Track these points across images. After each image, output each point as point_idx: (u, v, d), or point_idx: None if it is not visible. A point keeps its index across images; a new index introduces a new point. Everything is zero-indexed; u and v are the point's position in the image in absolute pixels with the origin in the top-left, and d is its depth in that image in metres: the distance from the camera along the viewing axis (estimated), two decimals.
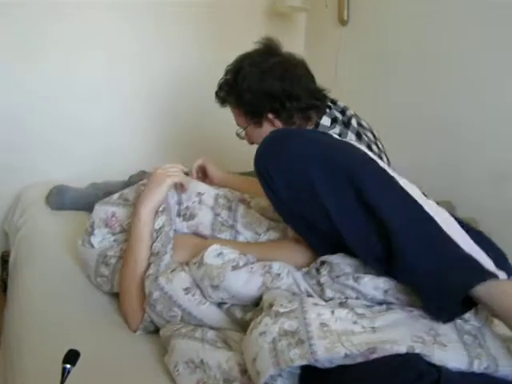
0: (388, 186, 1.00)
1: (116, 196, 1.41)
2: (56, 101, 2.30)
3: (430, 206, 1.00)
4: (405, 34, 2.25)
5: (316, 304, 0.96)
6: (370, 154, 1.08)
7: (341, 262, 1.07)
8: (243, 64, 1.45)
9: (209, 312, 1.14)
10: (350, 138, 1.45)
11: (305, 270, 1.13)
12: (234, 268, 1.10)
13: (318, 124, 1.49)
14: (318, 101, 1.47)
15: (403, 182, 1.03)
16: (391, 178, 1.02)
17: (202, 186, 1.41)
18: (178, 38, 2.51)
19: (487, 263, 0.95)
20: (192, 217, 1.34)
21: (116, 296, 1.37)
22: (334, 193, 1.00)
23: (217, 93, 1.54)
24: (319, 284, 1.06)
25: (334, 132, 1.45)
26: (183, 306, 1.14)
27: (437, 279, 0.92)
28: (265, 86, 1.41)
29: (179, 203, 1.37)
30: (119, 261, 1.32)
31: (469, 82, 1.95)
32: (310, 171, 1.01)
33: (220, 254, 1.15)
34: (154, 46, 2.46)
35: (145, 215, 1.26)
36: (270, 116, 1.46)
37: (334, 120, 1.50)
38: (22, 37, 2.15)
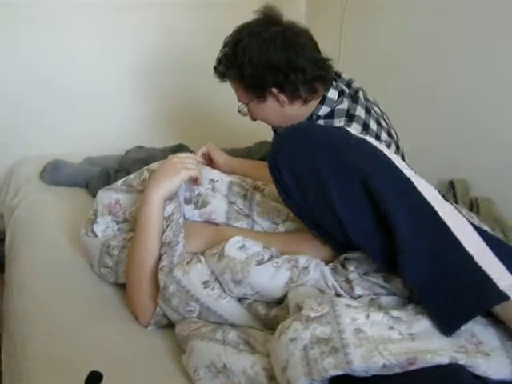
0: (404, 194, 0.94)
1: (120, 182, 1.35)
2: (48, 74, 2.20)
3: (444, 211, 0.94)
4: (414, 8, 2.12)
5: (348, 306, 0.90)
6: (384, 151, 1.02)
7: (367, 258, 1.02)
8: (242, 35, 1.35)
9: (229, 307, 1.08)
10: (359, 113, 1.37)
11: (331, 265, 1.07)
12: (259, 263, 1.04)
13: (324, 97, 1.40)
14: (324, 71, 1.37)
15: (417, 181, 0.96)
16: (408, 182, 0.96)
17: (215, 173, 1.34)
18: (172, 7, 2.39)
19: (505, 278, 0.87)
20: (204, 204, 1.28)
21: (121, 286, 1.31)
22: (346, 199, 0.96)
23: (215, 67, 1.44)
24: (348, 281, 1.01)
25: (343, 107, 1.38)
26: (201, 300, 1.08)
27: (446, 298, 0.87)
28: (267, 57, 1.32)
29: (190, 190, 1.30)
30: (122, 251, 1.26)
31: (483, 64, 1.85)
32: (322, 175, 0.97)
33: (243, 247, 1.09)
34: (148, 15, 2.35)
35: (156, 202, 1.19)
36: (274, 90, 1.36)
37: (341, 93, 1.42)
38: (11, 10, 2.06)
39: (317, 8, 2.68)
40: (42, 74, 2.18)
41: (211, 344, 1.00)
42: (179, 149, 1.99)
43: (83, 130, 2.30)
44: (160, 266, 1.14)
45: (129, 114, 2.44)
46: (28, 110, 2.18)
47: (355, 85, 1.47)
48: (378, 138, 1.37)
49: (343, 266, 1.05)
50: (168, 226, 1.20)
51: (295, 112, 1.40)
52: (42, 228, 1.60)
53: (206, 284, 1.07)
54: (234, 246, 1.08)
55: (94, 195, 1.84)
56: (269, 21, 1.36)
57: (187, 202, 1.29)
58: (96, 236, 1.30)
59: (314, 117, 1.39)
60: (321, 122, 1.37)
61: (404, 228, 0.90)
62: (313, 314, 0.88)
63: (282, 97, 1.36)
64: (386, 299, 0.96)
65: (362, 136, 1.05)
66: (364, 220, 0.95)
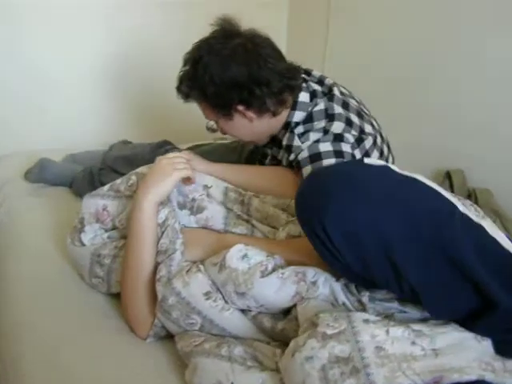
0: (484, 252, 0.82)
1: (106, 187, 1.27)
2: (25, 66, 2.13)
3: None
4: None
5: (367, 321, 0.84)
6: (439, 189, 0.89)
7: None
8: (201, 52, 1.26)
9: (233, 319, 1.02)
10: (338, 110, 1.30)
11: (343, 281, 1.00)
12: (263, 274, 0.98)
13: (295, 102, 1.33)
14: (291, 80, 1.30)
15: (486, 225, 0.86)
16: (480, 228, 0.85)
17: (209, 179, 1.28)
18: None
19: None
20: (200, 210, 1.22)
21: (114, 296, 1.24)
22: (420, 262, 0.81)
23: (178, 87, 1.34)
24: (360, 303, 0.95)
25: (320, 108, 1.30)
26: (204, 313, 1.02)
27: None
28: (228, 74, 1.24)
29: (183, 195, 1.23)
30: (114, 260, 1.19)
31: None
32: (384, 230, 0.81)
33: (245, 257, 1.02)
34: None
35: (149, 209, 1.12)
36: (240, 107, 1.28)
37: (313, 94, 1.34)
38: None
39: (300, 11, 2.60)
40: (20, 65, 2.11)
41: (216, 361, 0.93)
42: (163, 145, 1.91)
43: (64, 121, 2.24)
44: (158, 276, 1.07)
45: (110, 106, 2.38)
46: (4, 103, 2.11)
47: (328, 81, 1.39)
48: (362, 131, 1.31)
49: (357, 287, 0.99)
50: (163, 232, 1.14)
51: (265, 126, 1.34)
52: (26, 234, 1.52)
53: (207, 295, 1.01)
54: (235, 256, 1.02)
55: (78, 195, 1.82)
56: (227, 34, 1.28)
57: (181, 207, 1.22)
58: (83, 245, 1.23)
59: (293, 124, 1.31)
60: (300, 128, 1.30)
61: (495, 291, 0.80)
62: (330, 331, 0.82)
63: (249, 113, 1.29)
64: (402, 315, 0.91)
65: (410, 174, 0.90)
66: (444, 285, 0.83)
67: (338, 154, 1.23)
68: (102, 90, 2.34)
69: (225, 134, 1.41)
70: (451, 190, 1.89)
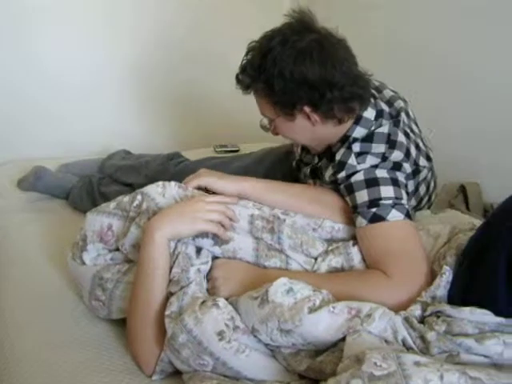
0: None
1: (113, 205, 1.18)
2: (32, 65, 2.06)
3: None
4: None
5: (418, 363, 0.75)
6: None
7: (465, 319, 0.87)
8: (273, 43, 1.15)
9: (249, 362, 0.92)
10: (401, 138, 1.22)
11: (403, 314, 0.92)
12: (311, 309, 0.90)
13: (360, 117, 1.23)
14: (362, 89, 1.20)
15: None
16: None
17: (231, 207, 1.16)
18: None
19: None
20: (226, 241, 1.11)
21: (117, 324, 1.16)
22: None
23: (238, 76, 1.23)
24: (423, 339, 0.86)
25: (383, 131, 1.21)
26: (216, 354, 0.92)
27: None
28: (301, 71, 1.13)
29: None
30: (117, 286, 1.12)
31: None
32: None
33: (290, 291, 0.93)
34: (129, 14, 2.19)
35: (159, 239, 1.03)
36: (307, 109, 1.17)
37: (380, 113, 1.24)
38: None
39: None
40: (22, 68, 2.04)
41: None
42: (174, 157, 1.83)
43: (60, 131, 2.16)
44: (168, 311, 0.98)
45: (113, 112, 2.30)
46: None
47: (398, 104, 1.30)
48: (416, 164, 1.25)
49: (424, 321, 0.91)
50: (174, 261, 1.05)
51: (327, 132, 1.24)
52: (21, 252, 1.44)
53: (221, 335, 0.91)
54: (279, 290, 0.93)
55: (75, 207, 1.75)
56: (303, 28, 1.18)
57: (202, 235, 1.11)
58: (84, 264, 1.16)
59: (350, 139, 1.23)
60: (357, 145, 1.21)
61: None
62: (377, 372, 0.73)
63: (315, 116, 1.19)
64: (467, 357, 0.82)
65: None
66: None
67: (395, 182, 1.15)
68: (107, 95, 2.28)
69: (276, 134, 1.31)
70: (466, 204, 1.81)
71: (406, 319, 0.90)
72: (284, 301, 0.91)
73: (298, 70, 1.13)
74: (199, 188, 1.22)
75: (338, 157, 1.22)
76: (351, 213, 1.17)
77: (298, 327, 0.88)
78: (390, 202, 1.11)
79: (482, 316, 0.88)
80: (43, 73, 2.07)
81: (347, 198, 1.18)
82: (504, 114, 1.72)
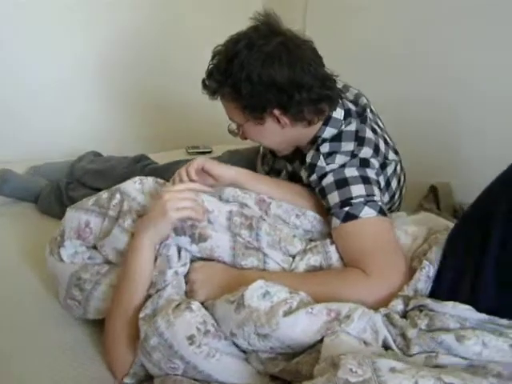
0: None
1: (92, 201, 1.18)
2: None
3: None
4: None
5: (393, 370, 0.75)
6: None
7: (447, 313, 0.88)
8: (239, 46, 1.14)
9: (220, 366, 0.92)
10: (369, 134, 1.23)
11: (384, 310, 0.92)
12: (287, 313, 0.90)
13: (329, 117, 1.23)
14: (330, 90, 1.21)
15: None
16: None
17: (210, 203, 1.16)
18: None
19: None
20: (203, 238, 1.10)
21: (91, 324, 1.16)
22: None
23: (205, 82, 1.22)
24: (404, 336, 0.87)
25: (351, 129, 1.22)
26: (187, 359, 0.91)
27: None
28: (269, 74, 1.13)
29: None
30: (95, 288, 1.11)
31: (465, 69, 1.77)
32: None
33: (267, 294, 0.93)
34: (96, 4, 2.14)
35: (146, 250, 1.04)
36: (276, 112, 1.18)
37: (348, 112, 1.26)
38: None
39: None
40: None
41: None
42: (141, 159, 1.82)
43: (27, 132, 2.10)
44: (142, 314, 0.98)
45: (83, 113, 2.26)
46: None
47: (362, 101, 1.32)
48: (385, 158, 1.26)
49: (406, 316, 0.91)
50: (155, 262, 1.06)
51: (296, 134, 1.24)
52: None
53: (191, 340, 0.90)
54: (255, 293, 0.93)
55: (43, 211, 1.72)
56: (269, 31, 1.18)
57: (179, 232, 1.10)
58: (62, 260, 1.15)
59: (319, 140, 1.23)
60: (325, 146, 1.21)
61: None
62: (353, 379, 0.73)
63: (284, 119, 1.19)
64: (446, 359, 0.83)
65: None
66: None
67: (365, 179, 1.16)
68: (76, 95, 2.23)
69: (245, 139, 1.31)
70: (436, 204, 1.83)
71: (387, 316, 0.91)
72: (260, 305, 0.91)
73: (266, 73, 1.12)
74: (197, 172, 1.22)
75: (308, 159, 1.23)
76: (326, 215, 1.17)
77: (275, 331, 0.88)
78: (362, 199, 1.11)
79: (464, 311, 0.89)
80: (9, 72, 2.02)
81: (323, 202, 1.18)
82: (476, 112, 1.75)
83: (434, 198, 1.86)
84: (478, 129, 1.74)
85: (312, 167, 1.20)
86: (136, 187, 1.16)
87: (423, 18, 1.88)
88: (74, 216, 1.15)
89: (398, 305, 0.95)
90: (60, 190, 1.71)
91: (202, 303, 1.00)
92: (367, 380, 0.73)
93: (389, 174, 1.27)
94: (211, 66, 1.20)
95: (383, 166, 1.24)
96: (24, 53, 2.03)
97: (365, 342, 0.87)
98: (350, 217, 1.10)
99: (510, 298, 0.90)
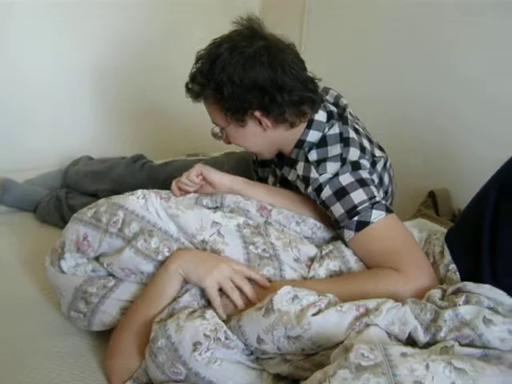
0: None
1: (90, 213, 1.13)
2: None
3: None
4: None
5: (404, 354, 0.76)
6: None
7: (483, 294, 0.91)
8: (221, 49, 1.16)
9: (221, 372, 0.92)
10: (352, 135, 1.24)
11: (411, 301, 0.94)
12: (317, 314, 0.90)
13: (311, 121, 1.24)
14: (312, 93, 1.22)
15: None
16: None
17: (218, 215, 1.16)
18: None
19: None
20: (216, 253, 1.10)
21: (91, 333, 1.17)
22: None
23: (188, 85, 1.24)
24: (434, 321, 0.89)
25: (334, 131, 1.23)
26: (189, 365, 0.91)
27: None
28: (251, 76, 1.14)
29: (188, 235, 1.11)
30: (102, 301, 1.10)
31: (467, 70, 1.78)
32: None
33: (295, 298, 0.94)
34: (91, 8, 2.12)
35: (178, 282, 1.04)
36: (257, 113, 1.18)
37: (330, 115, 1.27)
38: None
39: None
40: None
41: None
42: (138, 159, 1.83)
43: (22, 138, 2.06)
44: (158, 317, 1.00)
45: (77, 119, 2.23)
46: None
47: (342, 101, 1.34)
48: (373, 155, 1.27)
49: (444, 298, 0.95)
50: None
51: (278, 136, 1.25)
52: None
53: (195, 346, 0.91)
54: (284, 298, 0.93)
55: (42, 221, 1.72)
56: (251, 34, 1.19)
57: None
58: (62, 272, 1.13)
59: (306, 144, 1.24)
60: (313, 153, 1.22)
61: None
62: (364, 363, 0.73)
63: (266, 121, 1.20)
64: (461, 350, 0.83)
65: None
66: None
67: (362, 182, 1.16)
68: (73, 102, 2.21)
69: (229, 143, 1.31)
70: (435, 210, 1.84)
71: (416, 302, 0.93)
72: (290, 308, 0.91)
73: (247, 74, 1.14)
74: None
75: (299, 172, 1.23)
76: (336, 228, 1.18)
77: (307, 331, 0.88)
78: (367, 204, 1.12)
79: (500, 295, 0.93)
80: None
81: (327, 213, 1.19)
82: (476, 117, 1.76)
83: (432, 204, 1.88)
84: (478, 134, 1.75)
85: (306, 180, 1.21)
86: (140, 204, 1.12)
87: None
88: (74, 228, 1.13)
89: (436, 293, 0.97)
90: (59, 200, 1.71)
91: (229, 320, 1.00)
92: (379, 364, 0.74)
93: (380, 171, 1.28)
94: (194, 69, 1.22)
95: (373, 164, 1.24)
96: (18, 56, 2.01)
97: (389, 335, 0.88)
98: (362, 225, 1.11)
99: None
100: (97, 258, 1.13)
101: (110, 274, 1.12)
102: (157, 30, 2.25)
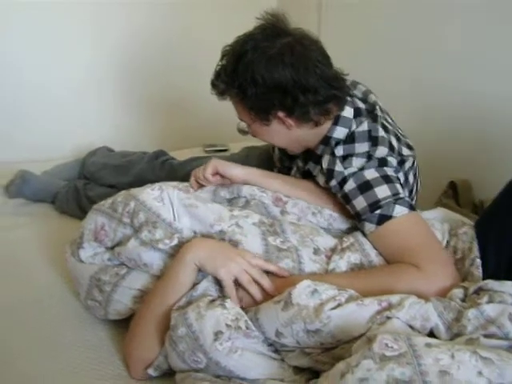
0: None
1: (108, 203, 1.16)
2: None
3: None
4: None
5: (429, 345, 0.74)
6: None
7: (506, 292, 0.89)
8: (246, 48, 1.14)
9: (242, 362, 0.91)
10: (381, 133, 1.21)
11: (435, 299, 0.93)
12: (336, 308, 0.90)
13: (338, 117, 1.22)
14: (338, 90, 1.19)
15: None
16: None
17: (235, 211, 1.17)
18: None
19: None
20: (234, 244, 1.08)
21: (111, 323, 1.17)
22: None
23: (213, 82, 1.23)
24: (457, 320, 0.87)
25: (363, 129, 1.20)
26: (210, 354, 0.90)
27: None
28: (273, 76, 1.13)
29: (205, 224, 1.11)
30: (114, 290, 1.11)
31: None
32: None
33: (315, 292, 0.93)
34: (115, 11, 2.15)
35: (194, 272, 1.03)
36: (281, 114, 1.18)
37: (357, 111, 1.24)
38: None
39: None
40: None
41: None
42: (160, 155, 1.82)
43: (37, 132, 2.10)
44: (176, 306, 0.99)
45: (97, 111, 2.26)
46: None
47: (371, 98, 1.31)
48: (400, 154, 1.24)
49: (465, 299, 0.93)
50: None
51: (304, 134, 1.23)
52: (11, 256, 1.42)
53: (216, 336, 0.90)
54: (303, 292, 0.92)
55: (62, 212, 1.73)
56: (276, 32, 1.17)
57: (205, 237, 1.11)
58: (81, 261, 1.15)
59: (333, 141, 1.22)
60: (340, 149, 1.19)
61: None
62: (388, 353, 0.72)
63: (289, 121, 1.19)
64: (487, 342, 0.82)
65: None
66: None
67: (387, 179, 1.15)
68: (87, 97, 2.23)
69: (255, 137, 1.31)
70: (455, 201, 1.81)
71: (438, 299, 0.91)
72: (309, 302, 0.91)
73: (269, 75, 1.12)
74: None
75: (324, 165, 1.21)
76: (356, 221, 1.16)
77: (327, 325, 0.88)
78: (390, 199, 1.10)
79: None
80: (13, 73, 2.04)
81: (348, 207, 1.18)
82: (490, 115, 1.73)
83: (453, 194, 1.84)
84: (502, 125, 1.71)
85: (330, 172, 1.19)
86: (154, 195, 1.12)
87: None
88: (92, 218, 1.16)
89: (458, 293, 0.95)
90: (77, 191, 1.71)
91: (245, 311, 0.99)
92: (403, 354, 0.72)
93: (406, 169, 1.26)
94: (219, 67, 1.21)
95: (401, 163, 1.23)
96: (33, 54, 2.04)
97: (413, 329, 0.87)
98: (384, 218, 1.10)
99: None
100: (113, 248, 1.14)
101: (124, 263, 1.12)
102: (178, 27, 2.27)
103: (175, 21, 2.27)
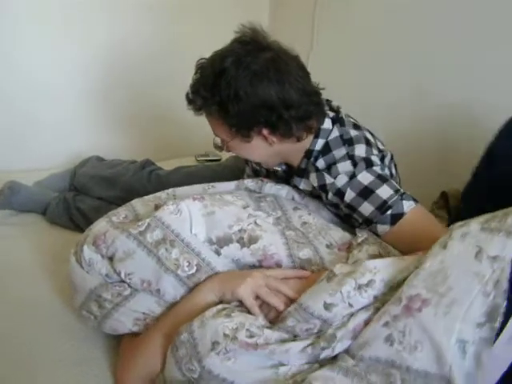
0: None
1: (122, 217, 1.16)
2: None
3: None
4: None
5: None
6: None
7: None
8: (227, 63, 1.11)
9: (235, 369, 0.89)
10: (353, 133, 1.22)
11: None
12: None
13: (319, 130, 1.23)
14: (318, 105, 1.20)
15: None
16: None
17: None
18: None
19: None
20: (254, 240, 1.07)
21: (105, 337, 1.16)
22: None
23: (189, 97, 1.20)
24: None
25: (335, 135, 1.22)
26: (203, 362, 0.89)
27: None
28: (258, 93, 1.11)
29: (221, 227, 1.08)
30: (117, 309, 1.07)
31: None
32: None
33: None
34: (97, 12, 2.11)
35: (210, 303, 1.01)
36: (265, 131, 1.17)
37: (333, 121, 1.25)
38: None
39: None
40: None
41: None
42: (146, 165, 1.83)
43: (30, 141, 2.09)
44: None
45: (87, 121, 2.25)
46: None
47: (334, 104, 1.32)
48: (379, 150, 1.26)
49: None
50: None
51: (286, 149, 1.23)
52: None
53: (213, 346, 0.90)
54: (344, 267, 0.96)
55: (52, 223, 1.71)
56: (256, 47, 1.14)
57: (226, 241, 1.07)
58: (81, 266, 1.09)
59: (314, 153, 1.23)
60: (321, 162, 1.21)
61: None
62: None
63: (272, 138, 1.19)
64: None
65: None
66: None
67: (381, 177, 1.16)
68: (82, 103, 2.23)
69: (230, 151, 1.29)
70: (447, 210, 1.82)
71: None
72: (353, 268, 0.94)
73: (253, 91, 1.11)
74: None
75: (314, 183, 1.22)
76: (365, 226, 1.17)
77: (377, 274, 0.92)
78: (396, 197, 1.12)
79: None
80: (8, 80, 2.01)
81: (354, 216, 1.18)
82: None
83: (444, 204, 1.85)
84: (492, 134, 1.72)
85: (323, 188, 1.21)
86: (170, 210, 1.08)
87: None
88: (99, 222, 1.13)
89: None
90: (68, 203, 1.71)
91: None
92: None
93: (388, 164, 1.27)
94: (196, 81, 1.18)
95: (382, 159, 1.23)
96: (26, 58, 2.01)
97: None
98: (397, 217, 1.12)
99: None
100: (111, 260, 1.08)
101: (130, 286, 1.07)
102: (168, 36, 2.27)
103: (164, 31, 2.27)
